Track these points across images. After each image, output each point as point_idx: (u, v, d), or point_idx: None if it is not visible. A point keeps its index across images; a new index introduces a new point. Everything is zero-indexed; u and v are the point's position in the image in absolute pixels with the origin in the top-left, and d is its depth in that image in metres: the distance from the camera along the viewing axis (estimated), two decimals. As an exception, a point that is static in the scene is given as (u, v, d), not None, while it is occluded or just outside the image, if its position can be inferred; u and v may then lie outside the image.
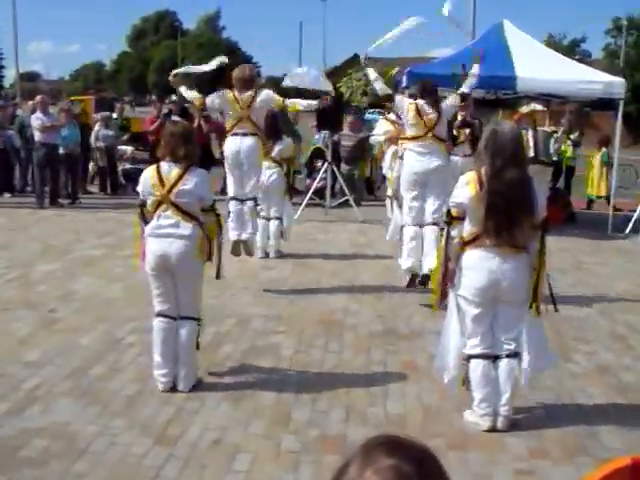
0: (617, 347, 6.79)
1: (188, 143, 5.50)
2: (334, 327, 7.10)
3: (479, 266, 4.94)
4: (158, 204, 5.43)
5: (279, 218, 9.96)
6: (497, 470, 4.44)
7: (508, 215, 4.82)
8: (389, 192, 12.50)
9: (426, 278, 7.82)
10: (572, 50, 51.45)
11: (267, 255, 10.00)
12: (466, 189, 4.97)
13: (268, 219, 9.90)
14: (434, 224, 7.86)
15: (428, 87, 8.29)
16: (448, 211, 5.23)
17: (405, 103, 8.24)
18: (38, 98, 14.89)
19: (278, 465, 4.42)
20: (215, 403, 5.28)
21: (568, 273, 9.66)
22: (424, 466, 1.40)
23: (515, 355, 5.06)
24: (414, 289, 8.25)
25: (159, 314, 5.56)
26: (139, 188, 5.61)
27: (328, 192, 14.06)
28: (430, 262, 7.51)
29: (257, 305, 7.81)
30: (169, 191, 5.38)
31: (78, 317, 7.23)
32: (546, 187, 12.75)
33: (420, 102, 8.11)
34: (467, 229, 5.03)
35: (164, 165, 5.47)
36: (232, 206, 8.24)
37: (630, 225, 12.76)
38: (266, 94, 8.18)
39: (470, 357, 5.08)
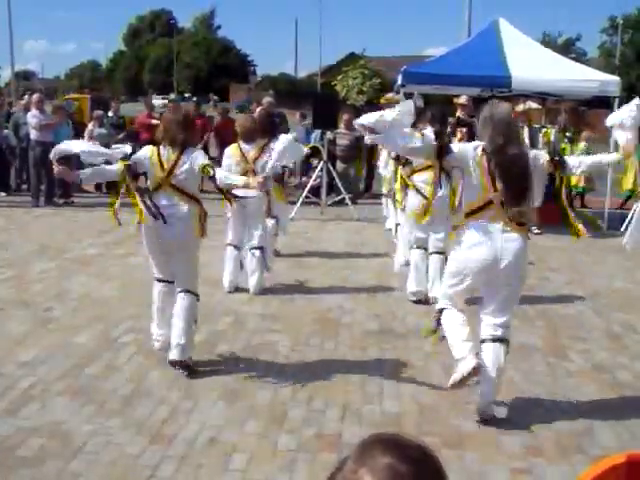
0: (612, 345, 6.80)
1: (187, 129, 5.78)
2: (330, 326, 7.10)
3: (481, 239, 4.96)
4: (158, 185, 5.71)
5: (274, 217, 9.93)
6: (493, 469, 4.44)
7: (513, 188, 4.90)
8: (384, 191, 12.54)
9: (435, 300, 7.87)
10: (567, 48, 51.58)
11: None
12: (477, 153, 5.01)
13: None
14: (439, 253, 7.82)
15: (437, 115, 8.16)
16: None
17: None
18: (34, 97, 14.86)
19: (274, 464, 4.42)
20: (211, 402, 5.27)
21: (563, 271, 9.68)
22: (420, 465, 1.40)
23: (502, 340, 5.08)
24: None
25: (158, 280, 6.01)
26: (135, 156, 5.76)
27: (324, 190, 14.06)
28: (437, 289, 7.57)
29: (252, 304, 7.81)
30: (168, 175, 5.66)
31: (74, 316, 7.23)
32: (543, 184, 12.76)
33: (427, 133, 8.01)
34: (469, 199, 5.10)
35: (162, 149, 5.73)
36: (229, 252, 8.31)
37: (626, 223, 12.75)
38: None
39: (442, 310, 5.22)
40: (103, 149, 5.91)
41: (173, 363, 5.75)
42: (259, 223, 8.21)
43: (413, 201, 7.95)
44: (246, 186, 5.81)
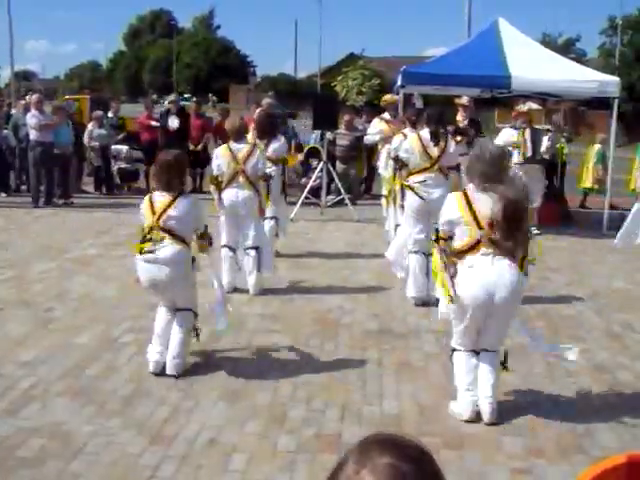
0: (613, 346, 6.80)
1: (179, 173, 5.89)
2: (329, 326, 7.10)
3: (475, 276, 5.02)
4: (150, 229, 5.76)
5: (274, 217, 9.93)
6: (493, 469, 4.45)
7: (506, 226, 4.92)
8: (384, 191, 12.53)
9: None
10: (567, 49, 51.56)
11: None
12: (454, 208, 5.17)
13: (263, 219, 9.87)
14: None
15: (433, 116, 8.17)
16: (436, 231, 5.35)
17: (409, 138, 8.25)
18: (33, 97, 14.86)
19: (274, 464, 4.43)
20: (211, 402, 5.28)
21: (563, 272, 9.68)
22: (420, 464, 1.40)
23: (496, 350, 5.25)
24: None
25: (160, 306, 6.02)
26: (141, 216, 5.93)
27: (324, 191, 14.05)
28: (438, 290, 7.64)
29: (252, 304, 7.81)
30: (159, 217, 5.72)
31: (74, 317, 7.23)
32: (542, 185, 12.78)
33: (424, 134, 8.05)
34: (460, 241, 5.15)
35: (156, 194, 5.84)
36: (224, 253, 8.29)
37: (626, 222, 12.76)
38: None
39: (454, 350, 5.29)
40: None
41: (171, 376, 5.75)
42: (252, 223, 8.20)
43: (411, 202, 7.97)
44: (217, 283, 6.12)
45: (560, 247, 10.99)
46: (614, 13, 48.27)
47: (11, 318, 7.14)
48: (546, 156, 13.09)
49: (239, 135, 8.23)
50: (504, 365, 5.34)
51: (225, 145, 8.34)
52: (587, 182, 15.26)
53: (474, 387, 5.15)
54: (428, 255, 7.90)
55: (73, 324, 6.99)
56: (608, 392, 5.69)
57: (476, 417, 5.08)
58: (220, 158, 8.19)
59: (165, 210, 5.71)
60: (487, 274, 4.99)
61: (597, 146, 15.45)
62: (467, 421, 5.07)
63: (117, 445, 4.61)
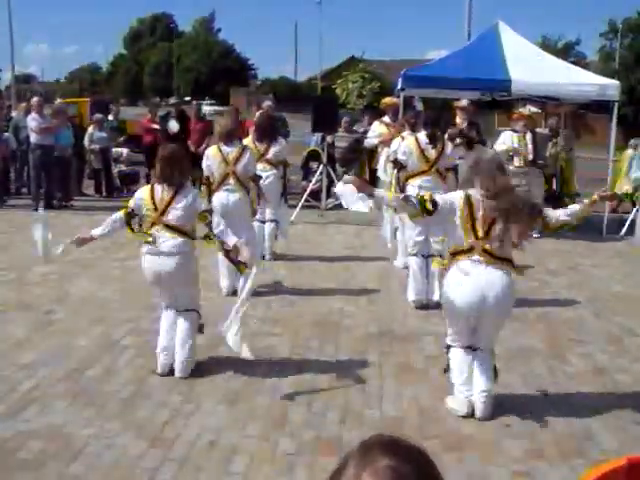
0: (612, 348, 6.81)
1: (178, 165, 5.87)
2: (330, 329, 7.10)
3: (468, 279, 5.10)
4: (152, 224, 5.81)
5: (274, 220, 9.94)
6: (493, 472, 4.44)
7: (500, 232, 5.01)
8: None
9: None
10: (567, 52, 51.61)
11: (263, 257, 9.99)
12: (458, 199, 5.19)
13: (263, 222, 9.88)
14: (439, 256, 7.85)
15: (431, 119, 8.18)
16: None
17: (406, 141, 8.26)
18: (34, 100, 14.87)
19: (274, 467, 4.42)
20: (211, 405, 5.28)
21: (563, 275, 9.68)
22: (421, 466, 1.41)
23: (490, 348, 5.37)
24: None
25: (165, 307, 6.03)
26: (131, 203, 5.96)
27: (324, 194, 14.05)
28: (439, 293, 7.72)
29: (252, 307, 7.79)
30: (161, 214, 5.77)
31: (74, 319, 7.23)
32: (542, 189, 12.79)
33: (421, 137, 8.08)
34: (455, 240, 5.23)
35: (157, 187, 5.85)
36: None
37: (625, 227, 12.79)
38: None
39: (449, 346, 5.40)
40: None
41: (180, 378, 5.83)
42: (244, 224, 8.20)
43: None
44: (234, 249, 5.94)
45: (560, 250, 10.99)
46: (613, 16, 48.30)
47: (12, 320, 7.14)
48: (547, 162, 13.15)
49: (229, 137, 8.20)
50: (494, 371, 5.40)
51: (215, 147, 8.31)
52: (623, 187, 14.78)
53: (470, 383, 5.24)
54: (427, 257, 7.92)
55: (73, 326, 6.99)
56: (608, 395, 5.70)
57: (472, 413, 5.17)
58: (210, 159, 8.19)
59: (167, 206, 5.76)
60: (479, 280, 5.06)
61: (630, 151, 15.22)
62: (463, 416, 5.15)
63: (117, 447, 4.60)
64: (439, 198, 5.29)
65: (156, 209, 5.78)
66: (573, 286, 9.15)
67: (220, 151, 8.13)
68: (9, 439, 4.67)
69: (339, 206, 14.23)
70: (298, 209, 12.90)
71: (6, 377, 5.68)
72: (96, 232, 5.99)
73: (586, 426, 5.08)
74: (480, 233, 5.07)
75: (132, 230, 5.95)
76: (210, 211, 6.06)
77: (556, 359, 6.43)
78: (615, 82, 12.72)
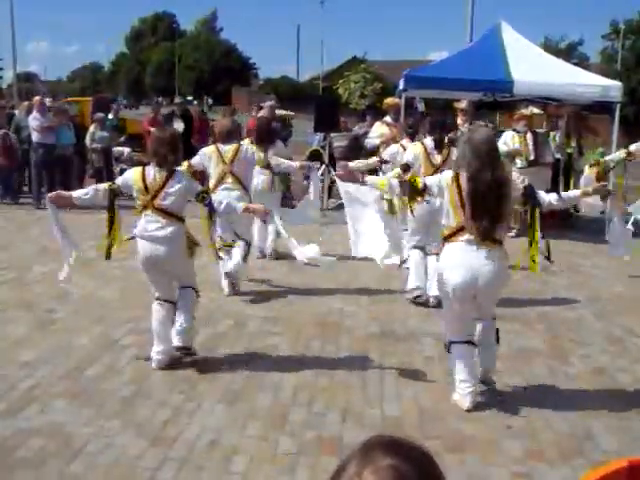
0: (613, 349, 6.80)
1: (173, 148, 5.83)
2: (330, 329, 7.10)
3: (459, 261, 5.18)
4: (143, 207, 5.81)
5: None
6: (493, 472, 4.44)
7: (487, 212, 5.07)
8: (385, 195, 12.50)
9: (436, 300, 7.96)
10: (569, 53, 51.60)
11: (264, 256, 10.00)
12: (446, 179, 5.29)
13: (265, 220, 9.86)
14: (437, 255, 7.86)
15: (437, 124, 8.18)
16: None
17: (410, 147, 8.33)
18: (35, 99, 14.87)
19: (274, 467, 4.42)
20: (211, 404, 5.27)
21: (564, 275, 9.67)
22: (422, 466, 1.40)
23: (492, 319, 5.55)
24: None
25: (156, 298, 6.04)
26: (118, 181, 6.00)
27: (325, 194, 14.04)
28: (435, 289, 7.74)
29: (253, 306, 7.81)
30: (153, 197, 5.75)
31: (74, 318, 7.23)
32: (545, 188, 12.78)
33: (428, 143, 8.08)
34: (446, 224, 5.31)
35: (149, 170, 5.81)
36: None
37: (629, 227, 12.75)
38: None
39: (451, 342, 5.43)
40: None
41: (178, 349, 5.95)
42: (242, 221, 8.20)
43: (418, 208, 7.97)
44: (246, 210, 6.08)
45: (560, 251, 10.95)
46: (616, 17, 48.27)
47: (12, 319, 7.14)
48: (557, 155, 13.14)
49: (228, 137, 8.21)
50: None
51: (213, 146, 8.33)
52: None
53: (471, 378, 5.30)
54: (427, 254, 7.96)
55: (74, 325, 6.99)
56: (608, 395, 5.69)
57: (474, 408, 5.24)
58: (205, 156, 8.18)
59: (159, 190, 5.75)
60: (470, 259, 5.13)
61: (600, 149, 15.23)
62: (467, 410, 5.22)
63: (117, 447, 4.60)
64: (428, 179, 5.50)
65: (147, 192, 5.76)
66: (574, 287, 9.14)
67: (217, 150, 8.15)
68: (9, 437, 4.66)
69: (341, 206, 14.26)
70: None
71: (6, 376, 5.68)
72: (76, 194, 5.99)
73: (586, 427, 5.07)
74: (469, 212, 5.11)
75: (112, 211, 5.94)
76: (206, 191, 6.08)
77: (556, 359, 6.42)
78: (617, 83, 12.71)
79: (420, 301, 7.96)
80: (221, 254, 8.08)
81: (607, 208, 10.30)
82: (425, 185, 5.42)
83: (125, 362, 6.06)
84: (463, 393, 5.28)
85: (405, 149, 8.57)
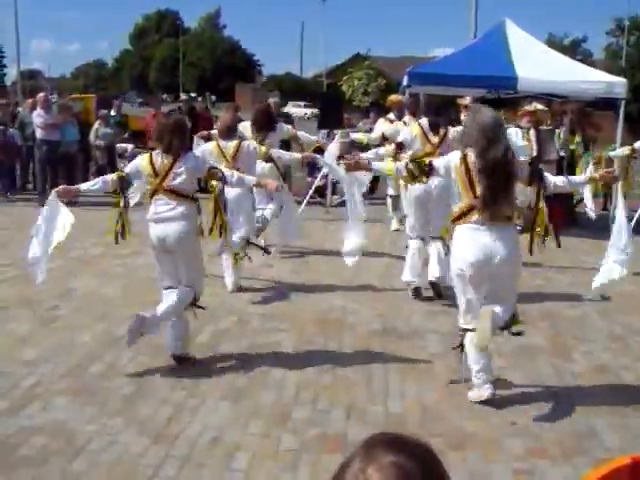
0: (616, 347, 6.78)
1: (180, 135, 5.87)
2: (334, 326, 7.09)
3: (472, 241, 5.16)
4: (153, 191, 5.86)
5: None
6: (496, 470, 4.43)
7: (496, 190, 5.06)
8: (390, 191, 12.53)
9: (435, 286, 7.99)
10: (573, 50, 51.51)
11: (268, 252, 9.97)
12: (455, 160, 5.28)
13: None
14: (439, 238, 7.87)
15: (431, 106, 8.22)
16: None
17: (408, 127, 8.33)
18: (39, 96, 14.88)
19: (277, 464, 4.42)
20: (214, 402, 5.27)
21: (568, 272, 9.65)
22: (426, 463, 1.40)
23: (505, 327, 5.43)
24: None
25: (166, 287, 6.01)
26: (127, 169, 6.04)
27: (329, 191, 14.04)
28: (434, 270, 7.91)
29: (256, 303, 7.81)
30: (162, 180, 5.79)
31: (77, 316, 7.23)
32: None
33: (424, 122, 8.10)
34: (456, 206, 5.30)
35: (156, 156, 5.85)
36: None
37: (631, 224, 12.71)
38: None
39: (466, 330, 5.36)
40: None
41: (173, 357, 5.96)
42: (247, 215, 8.19)
43: (413, 189, 7.98)
44: (258, 185, 6.31)
45: (564, 248, 10.89)
46: (620, 14, 48.21)
47: (14, 317, 7.15)
48: (562, 153, 13.10)
49: (229, 133, 8.21)
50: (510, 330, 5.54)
51: (215, 143, 8.33)
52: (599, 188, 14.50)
53: (487, 370, 5.27)
54: (433, 239, 8.01)
55: (76, 323, 6.99)
56: (611, 393, 5.67)
57: (492, 396, 5.23)
58: (206, 152, 8.13)
59: (168, 172, 5.78)
60: (482, 238, 5.11)
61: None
62: (484, 401, 5.21)
63: (119, 444, 4.60)
64: (436, 160, 5.50)
65: (156, 175, 5.80)
66: (577, 284, 9.11)
67: (219, 146, 8.14)
68: (11, 435, 4.67)
69: (344, 203, 14.24)
70: (303, 205, 12.86)
71: (9, 373, 5.69)
72: (83, 186, 6.01)
73: (589, 424, 5.06)
74: (478, 192, 5.10)
75: (120, 198, 5.94)
76: (215, 167, 6.15)
77: (560, 357, 6.41)
78: (622, 80, 12.66)
79: (417, 294, 8.01)
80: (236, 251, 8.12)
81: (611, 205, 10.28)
82: (432, 166, 5.41)
83: (127, 360, 6.06)
84: (479, 382, 5.25)
85: (407, 125, 8.67)
